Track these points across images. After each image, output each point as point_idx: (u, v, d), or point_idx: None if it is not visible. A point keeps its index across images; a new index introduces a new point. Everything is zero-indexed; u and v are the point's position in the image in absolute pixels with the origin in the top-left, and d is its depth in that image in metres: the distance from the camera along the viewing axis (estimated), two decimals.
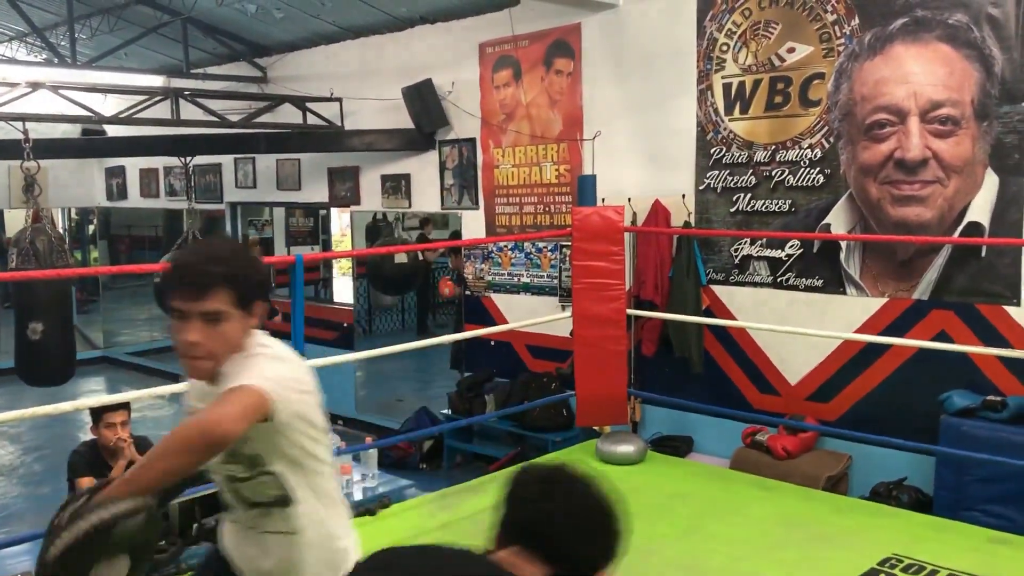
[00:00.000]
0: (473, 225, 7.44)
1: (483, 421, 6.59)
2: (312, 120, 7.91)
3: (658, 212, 6.07)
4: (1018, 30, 4.56)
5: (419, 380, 9.77)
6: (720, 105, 5.78)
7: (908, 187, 4.97)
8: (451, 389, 7.20)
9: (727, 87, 5.74)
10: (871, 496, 4.89)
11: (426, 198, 7.84)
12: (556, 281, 6.88)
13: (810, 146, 5.38)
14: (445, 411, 7.12)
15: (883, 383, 5.17)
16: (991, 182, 4.71)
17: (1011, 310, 4.68)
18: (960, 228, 4.82)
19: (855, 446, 5.16)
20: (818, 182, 5.37)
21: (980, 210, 4.76)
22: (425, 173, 7.75)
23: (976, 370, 4.79)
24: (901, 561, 3.69)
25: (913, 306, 5.03)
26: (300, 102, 7.88)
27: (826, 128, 5.30)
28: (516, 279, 7.19)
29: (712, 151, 5.83)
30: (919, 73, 4.89)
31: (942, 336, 4.89)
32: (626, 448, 5.11)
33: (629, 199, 6.16)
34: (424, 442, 7.14)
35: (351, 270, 10.14)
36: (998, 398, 4.58)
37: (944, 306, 4.92)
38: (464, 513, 4.46)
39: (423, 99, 7.34)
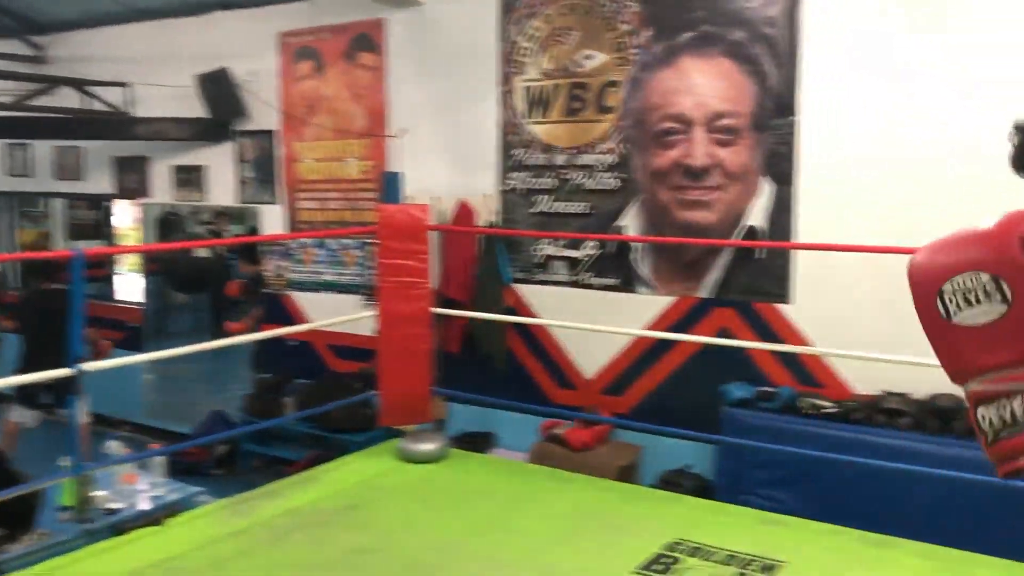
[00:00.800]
0: (273, 221, 7.20)
1: (282, 424, 6.38)
2: (97, 106, 7.37)
3: (464, 211, 6.11)
4: (789, 49, 4.94)
5: (214, 383, 9.31)
6: (522, 108, 5.89)
7: (694, 192, 5.28)
8: (248, 392, 6.92)
9: (528, 90, 5.86)
10: (659, 484, 5.16)
11: (222, 191, 7.50)
12: (361, 279, 6.78)
13: (606, 151, 5.59)
14: (241, 414, 6.83)
15: (670, 376, 5.47)
16: (766, 189, 5.08)
17: (782, 307, 5.08)
18: (739, 231, 5.17)
19: (645, 437, 5.42)
20: (613, 186, 5.59)
21: (757, 215, 5.13)
22: (221, 165, 7.42)
23: (752, 364, 5.16)
24: (685, 544, 3.91)
25: (698, 304, 5.35)
26: (81, 85, 7.32)
27: (620, 134, 5.53)
28: (319, 277, 7.02)
29: (514, 153, 5.94)
30: (704, 85, 5.20)
31: (724, 332, 5.23)
32: (428, 446, 5.11)
33: (436, 198, 6.16)
34: (218, 447, 6.82)
35: (140, 267, 9.52)
36: (771, 389, 4.96)
37: (725, 304, 5.26)
38: (259, 518, 4.29)
39: (219, 88, 7.02)
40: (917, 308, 1.57)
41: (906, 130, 4.67)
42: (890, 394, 4.68)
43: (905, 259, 1.69)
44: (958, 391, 2.56)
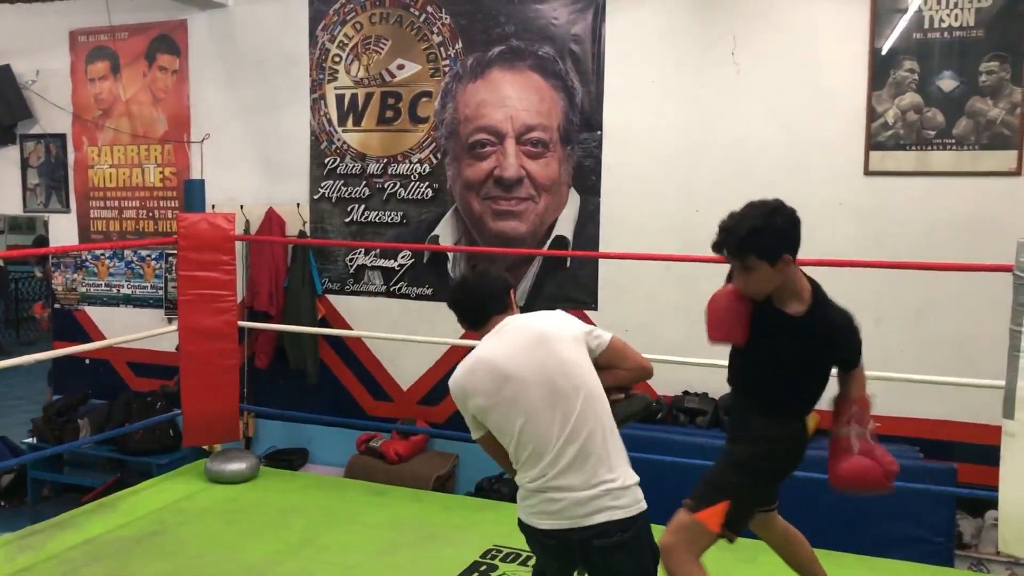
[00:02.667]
0: (63, 230, 6.71)
1: (76, 448, 5.93)
2: None
3: (272, 220, 5.94)
4: (594, 66, 5.15)
5: None
6: (333, 115, 5.81)
7: (506, 203, 5.38)
8: (37, 415, 6.40)
9: (340, 98, 5.78)
10: (476, 492, 5.21)
11: (5, 198, 6.92)
12: (161, 292, 6.44)
13: (419, 161, 5.60)
14: (29, 440, 6.30)
15: None
16: (574, 200, 5.26)
17: (590, 314, 5.26)
18: (549, 241, 5.32)
19: (461, 445, 5.46)
20: (427, 196, 5.61)
21: (566, 225, 5.29)
22: (4, 170, 6.86)
23: None
24: (501, 551, 3.96)
25: None
26: None
27: (434, 144, 5.56)
28: (115, 290, 6.61)
29: (327, 161, 5.84)
30: (515, 98, 5.32)
31: None
32: (237, 466, 4.91)
33: (241, 206, 5.95)
34: (2, 476, 6.26)
35: None
36: None
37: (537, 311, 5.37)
38: (50, 552, 3.97)
39: (0, 87, 6.47)
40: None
41: (700, 147, 4.97)
42: (689, 394, 4.96)
43: (699, 267, 2.01)
44: None
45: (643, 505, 2.44)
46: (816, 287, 2.73)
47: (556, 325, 2.54)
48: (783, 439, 2.74)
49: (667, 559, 2.65)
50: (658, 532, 2.59)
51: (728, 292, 2.74)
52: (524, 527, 2.51)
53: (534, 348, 2.45)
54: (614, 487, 2.38)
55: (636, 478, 2.45)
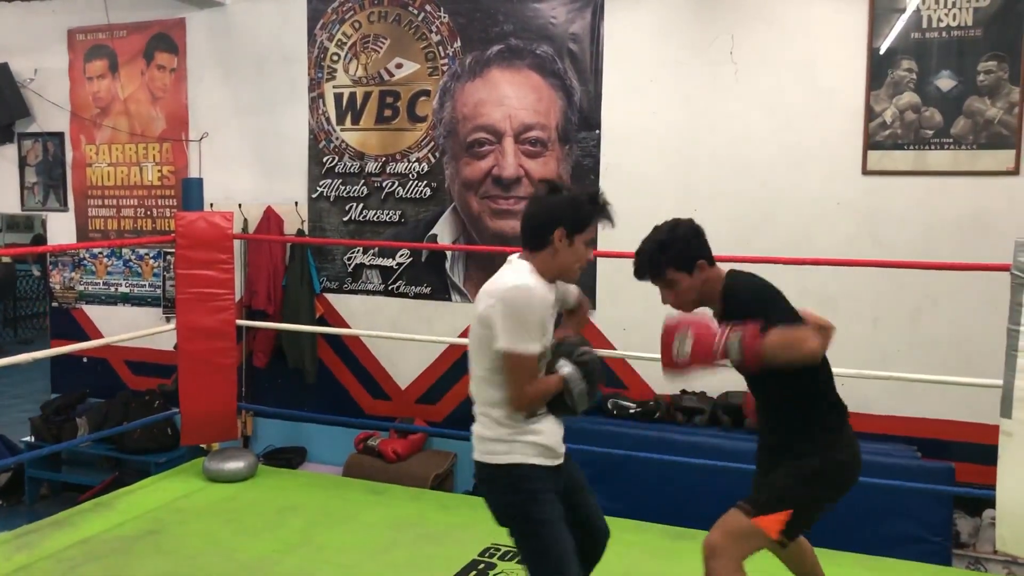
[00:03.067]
0: (61, 229, 6.70)
1: (74, 447, 5.93)
2: None
3: (270, 219, 5.93)
4: (592, 65, 5.15)
5: None
6: (332, 114, 5.80)
7: (504, 202, 5.39)
8: (35, 413, 6.40)
9: (338, 97, 5.78)
10: (474, 490, 5.20)
11: (3, 197, 6.92)
12: (159, 291, 6.43)
13: (418, 160, 5.60)
14: (27, 438, 6.30)
15: None
16: None
17: (589, 314, 5.25)
18: None
19: (459, 444, 5.46)
20: (425, 195, 5.61)
21: None
22: (2, 169, 6.84)
23: None
24: (499, 549, 3.96)
25: None
26: None
27: (432, 143, 5.56)
28: (113, 289, 6.60)
29: (325, 160, 5.84)
30: (513, 97, 5.32)
31: None
32: (235, 464, 4.90)
33: (239, 205, 5.95)
34: (0, 474, 6.25)
35: None
36: None
37: None
38: (47, 551, 3.97)
39: None
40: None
41: (699, 146, 4.98)
42: (687, 393, 4.96)
43: None
44: (746, 388, 2.84)
45: (492, 457, 2.51)
46: (729, 272, 2.80)
47: (481, 297, 2.52)
48: (848, 451, 2.78)
49: (713, 559, 2.66)
50: (649, 532, 2.59)
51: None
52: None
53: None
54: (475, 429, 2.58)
55: (493, 432, 2.52)
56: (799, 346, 2.50)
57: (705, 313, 2.77)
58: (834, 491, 2.79)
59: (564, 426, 2.64)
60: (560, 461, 2.58)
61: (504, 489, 2.53)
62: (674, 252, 2.74)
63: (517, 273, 2.47)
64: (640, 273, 2.83)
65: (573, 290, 2.80)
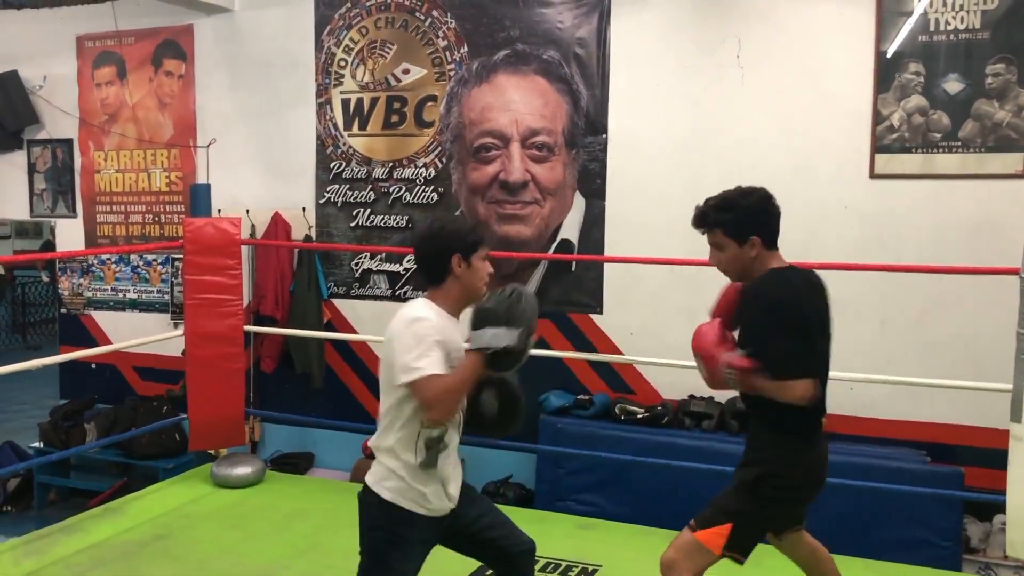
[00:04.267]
0: (70, 235, 6.73)
1: (82, 452, 5.94)
2: None
3: (278, 225, 5.94)
4: (599, 70, 5.15)
5: (5, 411, 8.60)
6: (339, 120, 5.81)
7: (511, 207, 5.39)
8: (44, 419, 6.41)
9: (346, 102, 5.79)
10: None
11: (12, 203, 6.94)
12: (167, 297, 6.45)
13: (425, 165, 5.61)
14: (36, 444, 6.32)
15: None
16: (579, 204, 5.26)
17: (595, 318, 5.26)
18: (554, 245, 5.32)
19: (467, 449, 5.41)
20: (432, 200, 5.61)
21: (571, 229, 5.29)
22: (11, 175, 6.87)
23: (569, 372, 5.31)
24: None
25: None
26: None
27: (439, 148, 5.57)
28: (122, 295, 6.62)
29: (332, 165, 5.85)
30: (519, 102, 5.32)
31: (541, 343, 5.34)
32: (243, 470, 4.91)
33: (247, 211, 5.97)
34: (9, 480, 6.27)
35: None
36: (586, 397, 5.12)
37: (542, 315, 5.35)
38: (56, 556, 3.98)
39: (7, 93, 6.53)
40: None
41: (705, 150, 4.97)
42: (695, 398, 4.95)
43: (705, 270, 2.01)
44: None
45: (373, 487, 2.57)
46: (771, 270, 2.71)
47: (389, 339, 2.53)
48: (791, 463, 2.67)
49: (667, 574, 2.68)
50: (656, 536, 2.59)
51: (714, 325, 2.77)
52: None
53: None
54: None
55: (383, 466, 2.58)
56: (783, 394, 2.56)
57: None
58: (776, 506, 2.72)
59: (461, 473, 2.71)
60: (445, 512, 2.62)
61: (374, 519, 2.58)
62: (732, 216, 2.69)
63: (411, 307, 2.53)
64: (696, 221, 2.78)
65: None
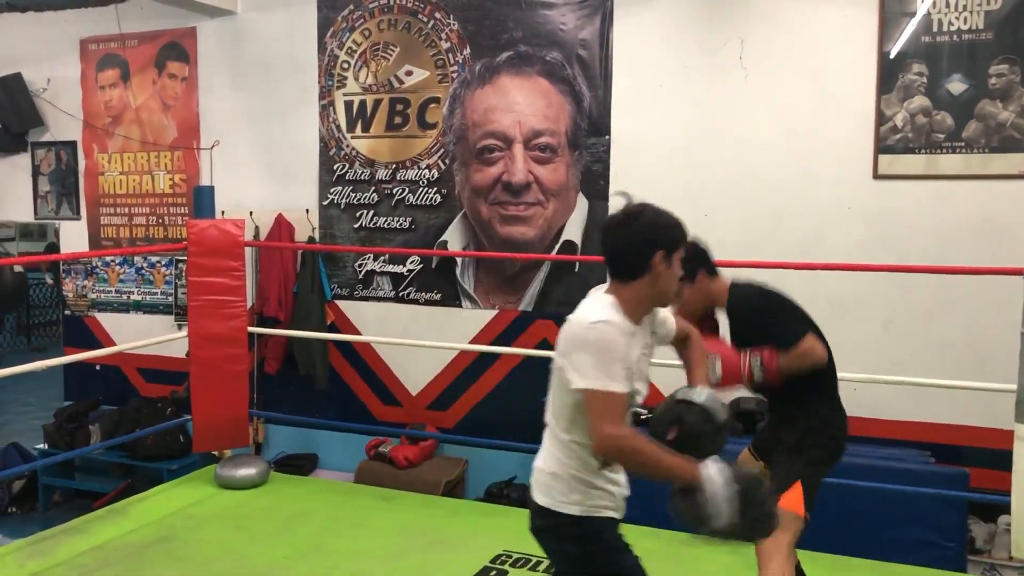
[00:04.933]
0: (74, 237, 6.74)
1: (86, 454, 5.96)
2: None
3: (281, 226, 5.95)
4: (602, 71, 5.15)
5: (10, 412, 8.61)
6: (342, 122, 5.82)
7: (514, 208, 5.39)
8: (48, 421, 6.43)
9: (349, 104, 5.80)
10: (485, 497, 5.20)
11: (17, 206, 6.96)
12: (171, 298, 6.46)
13: (428, 166, 5.61)
14: (41, 446, 6.33)
15: (494, 389, 5.54)
16: (582, 205, 5.26)
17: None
18: (558, 246, 5.32)
19: (470, 450, 5.46)
20: (435, 201, 5.61)
21: (574, 230, 5.29)
22: (15, 178, 6.89)
23: None
24: (511, 556, 3.96)
25: (519, 317, 5.45)
26: None
27: (442, 150, 5.57)
28: (126, 297, 6.63)
29: (335, 167, 5.86)
30: (522, 103, 5.33)
31: (544, 344, 5.34)
32: (247, 471, 4.92)
33: (251, 212, 5.97)
34: (14, 482, 6.28)
35: None
36: None
37: (545, 316, 5.39)
38: (61, 558, 3.99)
39: (11, 95, 6.54)
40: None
41: (708, 151, 4.97)
42: None
43: None
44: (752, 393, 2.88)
45: (554, 505, 2.31)
46: (731, 287, 3.04)
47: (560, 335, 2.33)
48: (825, 419, 2.99)
49: (770, 556, 2.80)
50: (661, 538, 2.58)
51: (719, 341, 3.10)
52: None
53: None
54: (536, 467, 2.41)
55: (549, 469, 2.33)
56: (807, 360, 2.89)
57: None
58: (825, 453, 2.98)
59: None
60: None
61: (571, 539, 2.33)
62: None
63: (598, 308, 2.24)
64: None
65: (667, 316, 2.47)
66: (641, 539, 3.09)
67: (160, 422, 5.70)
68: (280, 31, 5.95)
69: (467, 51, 5.46)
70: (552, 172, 5.30)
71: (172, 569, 3.89)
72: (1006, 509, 3.61)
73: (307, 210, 5.93)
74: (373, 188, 5.77)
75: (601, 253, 2.35)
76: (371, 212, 5.80)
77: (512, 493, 5.15)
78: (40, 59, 6.64)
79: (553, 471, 2.33)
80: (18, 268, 10.83)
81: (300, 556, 4.03)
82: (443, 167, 5.58)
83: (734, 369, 2.91)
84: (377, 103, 5.72)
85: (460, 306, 5.60)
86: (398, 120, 5.68)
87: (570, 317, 2.30)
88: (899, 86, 4.59)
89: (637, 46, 5.09)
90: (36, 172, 6.82)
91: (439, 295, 5.66)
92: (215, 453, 5.27)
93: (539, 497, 2.36)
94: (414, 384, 5.77)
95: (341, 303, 5.92)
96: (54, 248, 7.11)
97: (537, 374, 5.31)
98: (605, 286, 2.35)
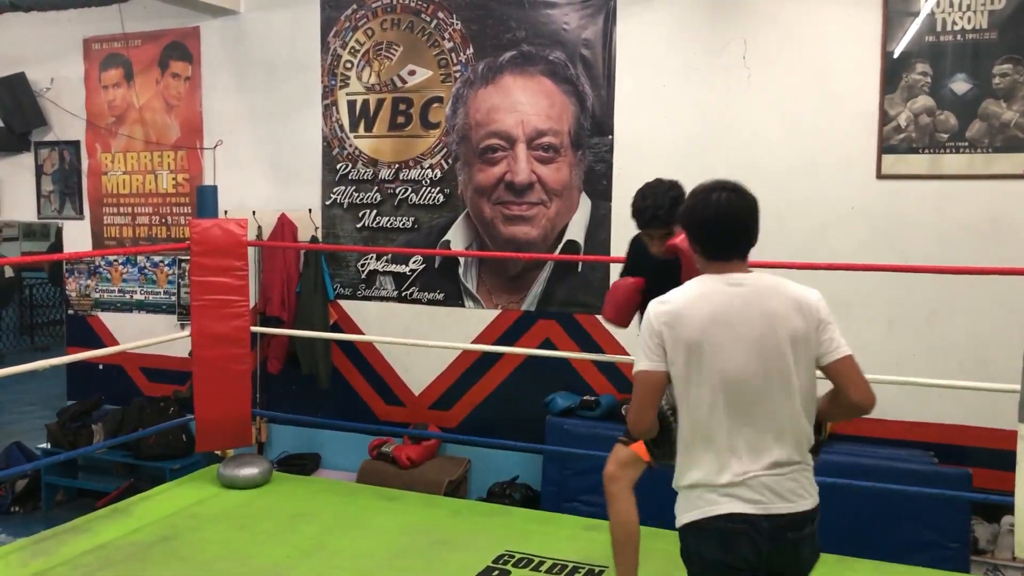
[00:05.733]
0: (77, 237, 6.75)
1: (89, 453, 5.96)
2: None
3: (284, 226, 5.96)
4: (605, 71, 5.15)
5: (13, 412, 8.63)
6: (345, 121, 5.82)
7: (517, 208, 5.39)
8: (51, 420, 6.44)
9: (352, 104, 5.80)
10: (488, 497, 5.20)
11: (20, 205, 6.97)
12: (174, 298, 6.47)
13: (431, 166, 5.61)
14: (44, 445, 6.34)
15: (497, 389, 5.54)
16: (585, 205, 5.26)
17: (601, 319, 5.24)
18: (560, 246, 5.32)
19: (473, 450, 5.46)
20: (438, 201, 5.61)
21: (577, 230, 5.29)
22: (19, 177, 6.90)
23: (575, 373, 5.31)
24: (513, 556, 3.95)
25: (522, 317, 5.45)
26: None
27: (445, 150, 5.57)
28: (129, 296, 6.64)
29: (338, 167, 5.86)
30: (525, 103, 5.33)
31: (547, 343, 5.35)
32: (249, 471, 4.91)
33: (254, 212, 5.98)
34: (17, 481, 6.29)
35: None
36: (593, 398, 5.11)
37: (548, 316, 5.39)
38: (64, 557, 3.99)
39: (14, 95, 6.55)
40: None
41: (711, 151, 4.96)
42: None
43: None
44: None
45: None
46: None
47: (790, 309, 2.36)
48: None
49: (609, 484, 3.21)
50: (662, 538, 2.58)
51: (629, 283, 3.48)
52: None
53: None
54: None
55: (808, 462, 2.35)
56: None
57: None
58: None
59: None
60: None
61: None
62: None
63: (801, 287, 2.37)
64: (653, 221, 3.48)
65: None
66: (650, 540, 3.09)
67: (163, 422, 5.71)
68: (283, 31, 5.95)
69: (470, 51, 5.46)
70: (555, 172, 5.29)
71: (175, 568, 3.89)
72: (1009, 509, 3.60)
73: (310, 210, 5.93)
74: (376, 188, 5.77)
75: (740, 232, 2.51)
76: (374, 212, 5.80)
77: (515, 493, 5.16)
78: (44, 59, 6.64)
79: (809, 463, 2.31)
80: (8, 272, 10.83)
81: (303, 556, 4.03)
82: (446, 167, 5.58)
83: None
84: (380, 103, 5.72)
85: (463, 306, 5.60)
86: (401, 120, 5.68)
87: (792, 292, 2.33)
88: (903, 86, 4.58)
89: (640, 46, 5.09)
90: (39, 172, 6.83)
91: (442, 295, 5.66)
92: (218, 453, 5.27)
93: (810, 499, 2.28)
94: (417, 384, 5.77)
95: (344, 303, 5.92)
96: (57, 248, 7.11)
97: (540, 374, 5.35)
98: (745, 270, 2.45)
